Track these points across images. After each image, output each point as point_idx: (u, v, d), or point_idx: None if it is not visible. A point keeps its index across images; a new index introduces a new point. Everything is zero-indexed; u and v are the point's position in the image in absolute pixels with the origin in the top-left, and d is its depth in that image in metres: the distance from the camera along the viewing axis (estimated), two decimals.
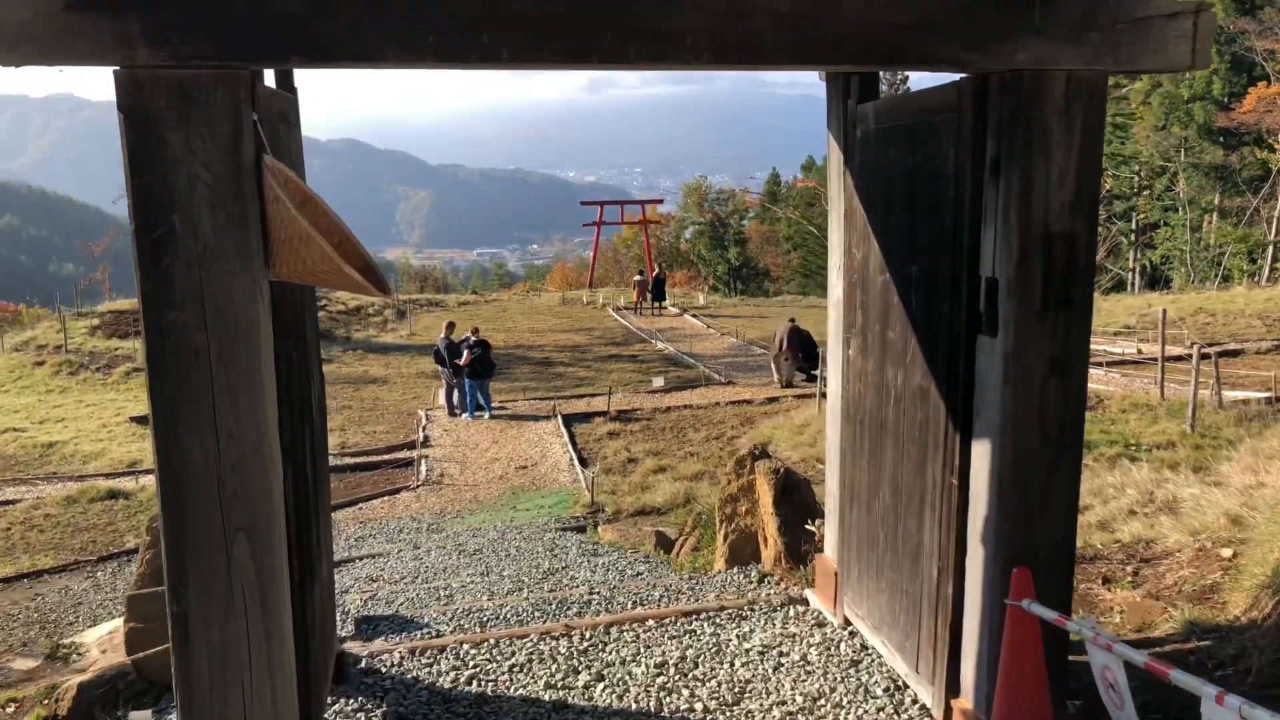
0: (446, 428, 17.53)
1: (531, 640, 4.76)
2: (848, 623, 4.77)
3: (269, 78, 3.80)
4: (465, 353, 17.69)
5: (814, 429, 14.72)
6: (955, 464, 3.67)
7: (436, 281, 54.59)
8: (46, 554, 11.53)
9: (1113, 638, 2.75)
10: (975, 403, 3.57)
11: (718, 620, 4.93)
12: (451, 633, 5.88)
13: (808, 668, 4.38)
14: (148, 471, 15.15)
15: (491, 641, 4.75)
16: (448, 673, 4.44)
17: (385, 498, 13.85)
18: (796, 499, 6.50)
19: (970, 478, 3.62)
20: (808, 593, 5.24)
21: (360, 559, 9.89)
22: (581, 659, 4.56)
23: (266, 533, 2.86)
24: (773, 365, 19.06)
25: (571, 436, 15.84)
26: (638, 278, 34.84)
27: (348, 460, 15.91)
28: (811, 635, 4.70)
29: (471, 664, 4.52)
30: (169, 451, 2.74)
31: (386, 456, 15.99)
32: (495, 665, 4.50)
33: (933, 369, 3.82)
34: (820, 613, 4.98)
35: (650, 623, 4.91)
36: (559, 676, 4.37)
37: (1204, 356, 12.30)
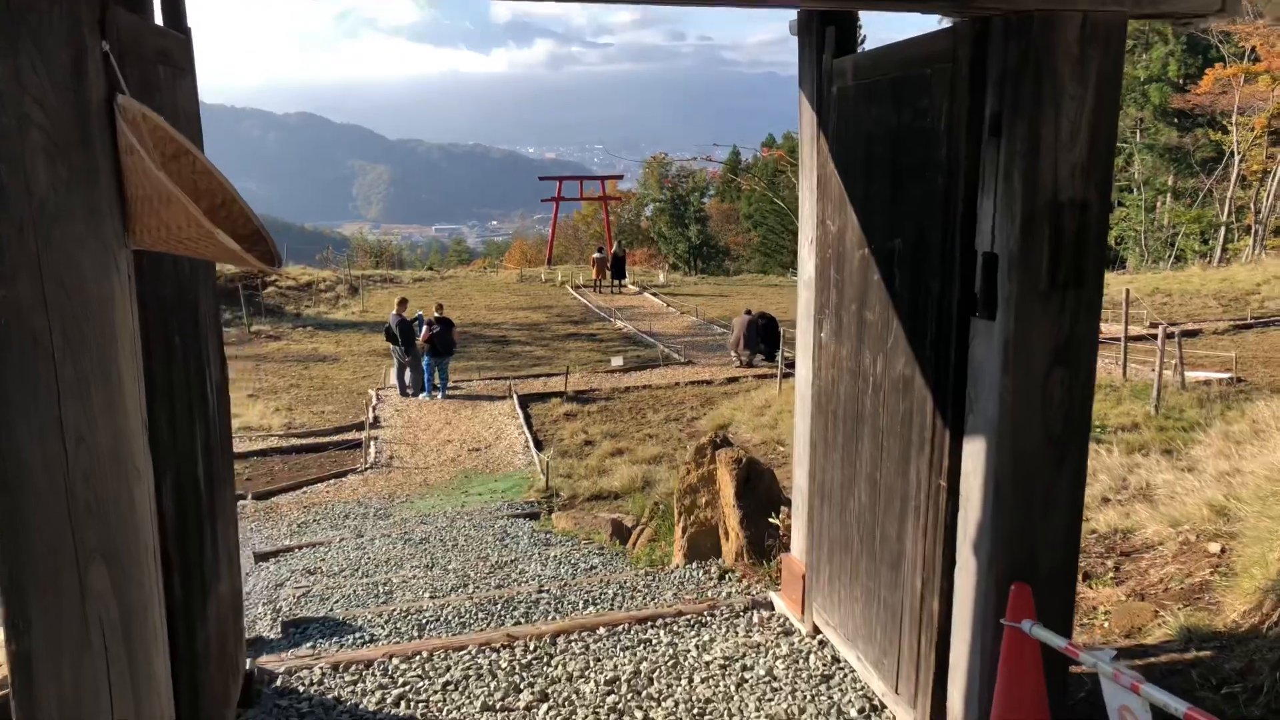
0: (398, 408, 16.94)
1: (469, 653, 4.29)
2: (817, 631, 4.36)
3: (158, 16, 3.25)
4: (424, 329, 17.09)
5: (775, 410, 14.36)
6: (944, 463, 3.25)
7: (391, 257, 53.40)
8: None
9: (1138, 676, 2.35)
10: (968, 394, 3.15)
11: (675, 628, 4.49)
12: (386, 637, 5.41)
13: (774, 684, 3.96)
14: None
15: (425, 654, 4.27)
16: (373, 692, 3.96)
17: (331, 481, 13.27)
18: (760, 490, 6.08)
19: (961, 479, 3.20)
20: (773, 595, 4.82)
21: (300, 549, 9.34)
22: (524, 674, 4.10)
23: (130, 555, 2.36)
24: (732, 352, 18.65)
25: (527, 417, 15.34)
26: (597, 255, 34.23)
27: (294, 442, 15.28)
28: (778, 645, 4.28)
29: (401, 681, 4.05)
30: (2, 459, 2.22)
31: (335, 438, 15.37)
32: (427, 683, 4.03)
33: (918, 355, 3.39)
34: (787, 619, 4.57)
35: (601, 631, 4.46)
36: (498, 696, 3.91)
37: (1168, 336, 12.10)
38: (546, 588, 6.06)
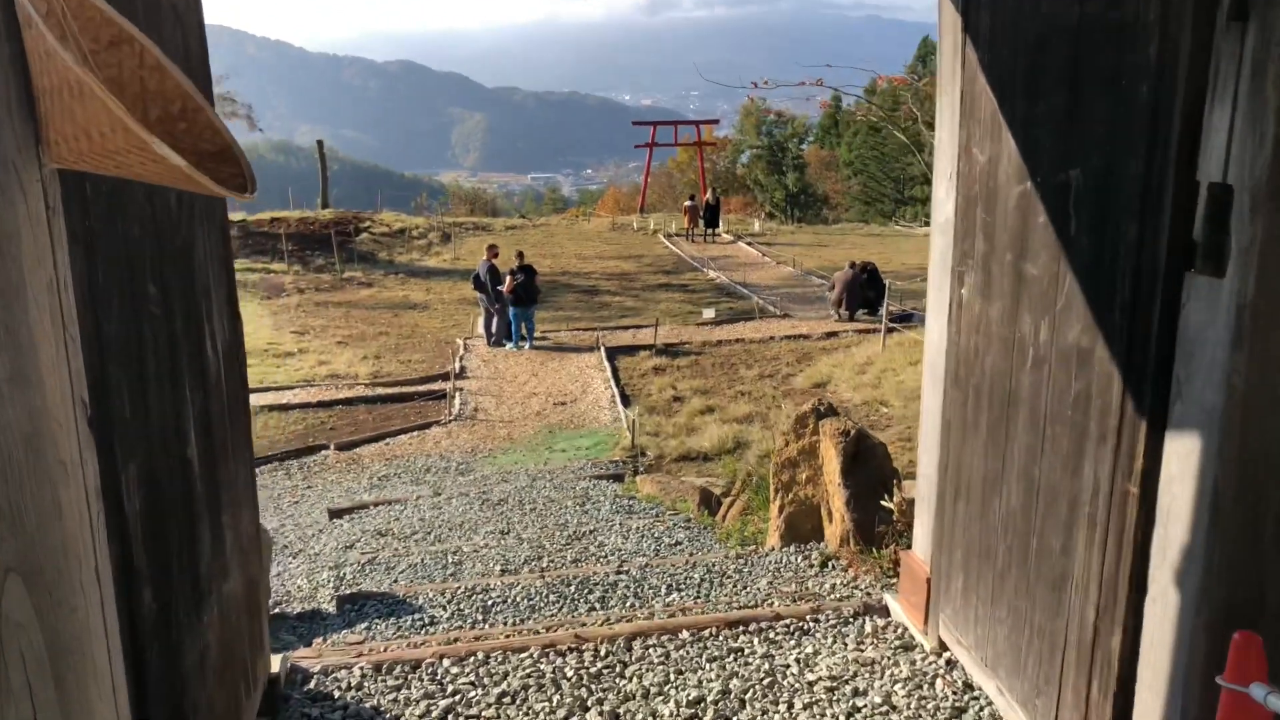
0: (484, 358, 16.58)
1: (531, 656, 3.69)
2: (943, 647, 3.63)
3: None
4: (507, 278, 16.64)
5: (878, 368, 13.46)
6: (1134, 463, 2.47)
7: (486, 204, 53.28)
8: None
9: None
10: (1176, 375, 2.36)
11: (772, 635, 3.82)
12: (448, 620, 4.89)
13: (894, 715, 3.26)
14: None
15: (480, 656, 3.69)
16: (418, 701, 3.40)
17: (415, 433, 12.97)
18: (871, 467, 5.33)
19: (1160, 485, 2.42)
20: (888, 598, 4.09)
21: (375, 505, 8.98)
22: (593, 687, 3.49)
23: (58, 573, 1.78)
24: (833, 310, 17.64)
25: (614, 371, 14.77)
26: (689, 202, 33.25)
27: (380, 391, 15.06)
28: (896, 664, 3.57)
29: (451, 689, 3.48)
30: None
31: (421, 388, 15.10)
32: (480, 693, 3.46)
33: (1102, 322, 2.60)
34: (906, 629, 3.84)
35: (684, 636, 3.82)
36: (561, 714, 3.31)
37: None
38: (625, 568, 5.46)
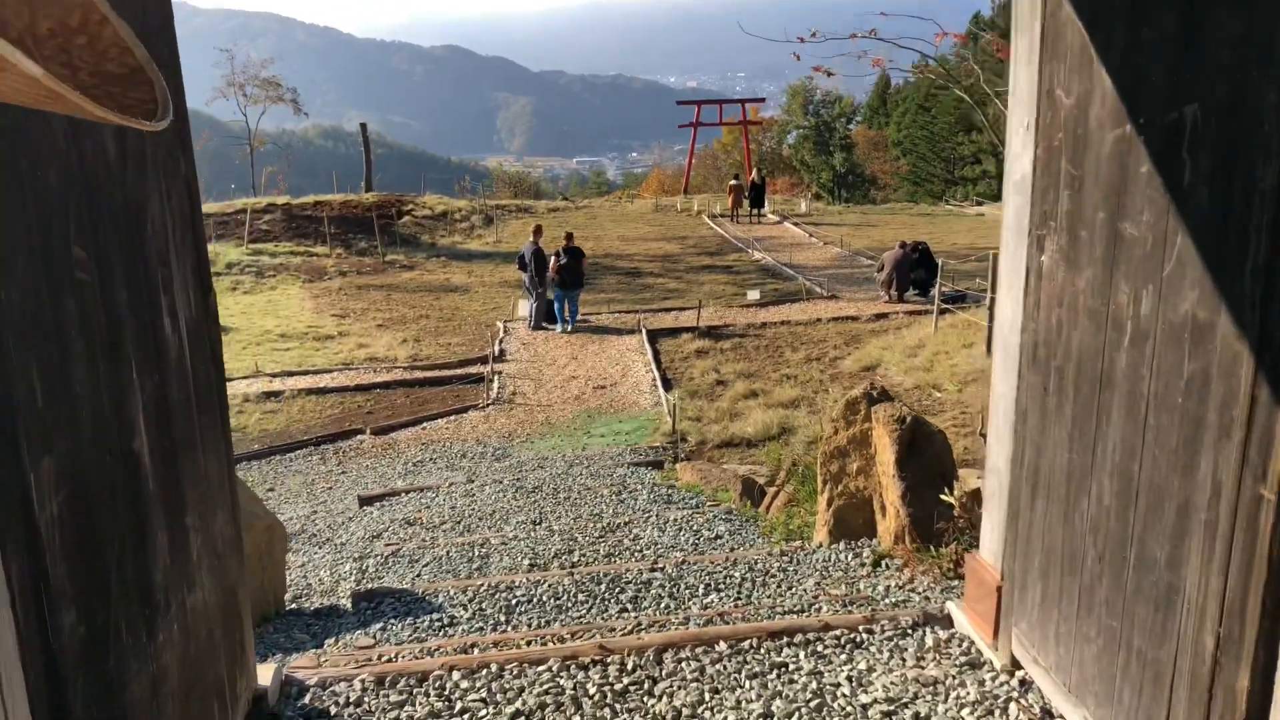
0: (524, 341, 16.27)
1: (550, 670, 3.31)
2: (1016, 665, 3.19)
3: None
4: (552, 259, 16.30)
5: (929, 351, 12.90)
6: (1271, 463, 2.01)
7: (529, 187, 52.99)
8: None
9: None
10: None
11: (820, 648, 3.39)
12: (468, 620, 4.54)
13: None
14: None
15: (494, 670, 3.32)
16: None
17: (452, 417, 12.68)
18: (928, 457, 4.87)
19: None
20: (951, 606, 3.65)
21: (406, 493, 8.69)
22: (617, 706, 3.10)
23: None
24: (881, 291, 17.01)
25: (656, 354, 14.36)
26: (734, 182, 32.63)
27: (418, 374, 14.83)
28: (962, 684, 3.13)
29: (460, 707, 3.11)
30: None
31: (459, 371, 14.83)
32: (491, 711, 3.08)
33: (1226, 288, 2.13)
34: (972, 643, 3.40)
35: (722, 647, 3.41)
36: None
37: None
38: (661, 565, 5.07)
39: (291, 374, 15.02)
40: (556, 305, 16.50)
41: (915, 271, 16.45)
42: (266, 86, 42.10)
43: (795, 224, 29.93)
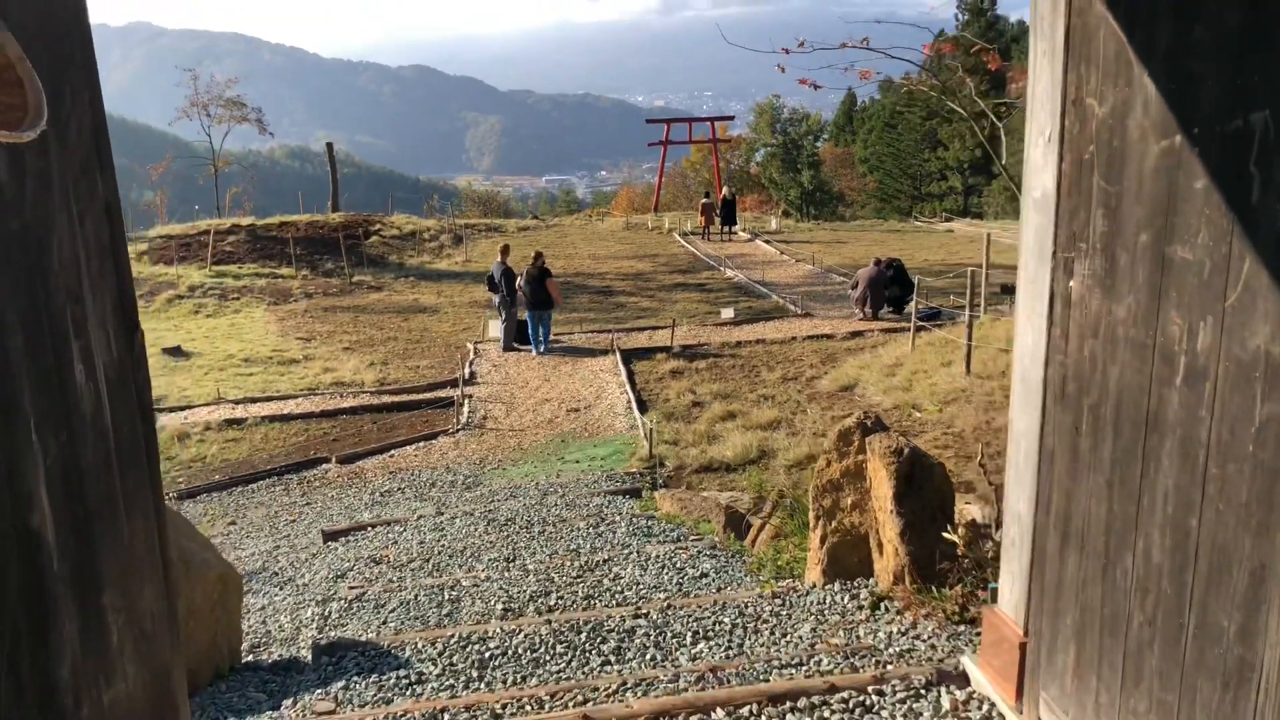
0: (495, 363, 15.89)
1: None
2: None
3: None
4: (518, 280, 16.00)
5: (908, 369, 12.66)
6: None
7: (498, 206, 52.63)
8: None
9: None
10: None
11: (827, 714, 3.07)
12: (437, 678, 4.18)
13: None
14: (170, 409, 13.82)
15: None
16: None
17: (421, 444, 12.27)
18: (927, 491, 4.58)
19: None
20: (967, 662, 3.34)
21: (373, 527, 8.29)
22: None
23: None
24: (855, 309, 16.83)
25: (630, 375, 14.03)
26: (704, 200, 32.49)
27: (385, 399, 14.40)
28: None
29: None
30: None
31: (428, 395, 14.41)
32: None
33: None
34: (993, 706, 3.09)
35: (719, 715, 3.08)
36: None
37: None
38: (645, 609, 4.73)
39: (255, 400, 14.54)
40: (530, 327, 16.16)
41: (890, 289, 16.29)
42: (231, 106, 41.42)
43: (766, 241, 29.80)
